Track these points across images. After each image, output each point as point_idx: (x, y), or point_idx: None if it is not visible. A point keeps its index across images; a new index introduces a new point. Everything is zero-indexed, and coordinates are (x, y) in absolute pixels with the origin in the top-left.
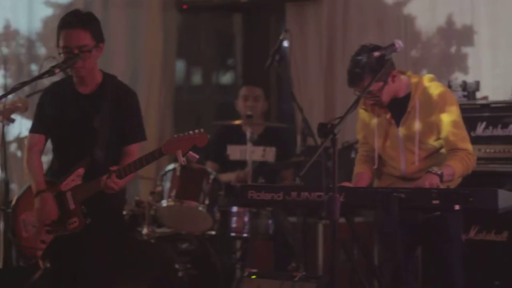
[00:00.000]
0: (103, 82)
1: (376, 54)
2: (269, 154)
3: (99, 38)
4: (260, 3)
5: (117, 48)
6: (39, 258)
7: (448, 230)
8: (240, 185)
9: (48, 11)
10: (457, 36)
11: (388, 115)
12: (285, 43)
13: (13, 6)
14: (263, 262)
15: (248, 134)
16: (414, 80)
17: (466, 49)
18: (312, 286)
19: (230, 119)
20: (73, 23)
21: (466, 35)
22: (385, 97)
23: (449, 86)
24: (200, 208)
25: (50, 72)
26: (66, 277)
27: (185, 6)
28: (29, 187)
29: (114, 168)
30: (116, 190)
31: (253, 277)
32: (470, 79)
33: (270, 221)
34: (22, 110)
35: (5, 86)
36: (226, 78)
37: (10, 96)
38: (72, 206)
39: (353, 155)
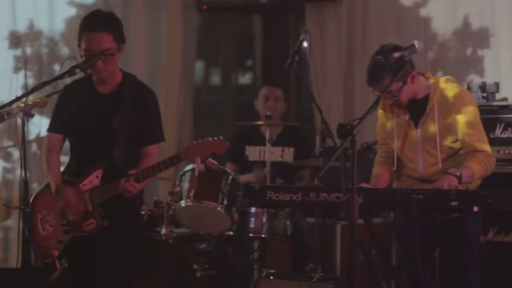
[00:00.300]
0: (123, 81)
1: (396, 55)
2: (288, 154)
3: (121, 39)
4: (279, 3)
5: (137, 49)
6: (55, 258)
7: (467, 232)
8: (259, 186)
9: (71, 11)
10: (474, 38)
11: (407, 116)
12: (305, 44)
13: (36, 6)
14: (281, 262)
15: (267, 135)
16: (432, 81)
17: (482, 52)
18: (330, 287)
19: (249, 119)
20: (96, 26)
21: (483, 37)
22: (404, 97)
23: (468, 88)
24: (219, 209)
25: (70, 72)
26: (83, 278)
27: (205, 7)
28: (47, 186)
29: (132, 171)
30: (134, 193)
31: (271, 277)
32: (489, 81)
33: (288, 222)
34: (41, 105)
35: (26, 87)
36: (245, 78)
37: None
38: (89, 207)
39: (371, 156)
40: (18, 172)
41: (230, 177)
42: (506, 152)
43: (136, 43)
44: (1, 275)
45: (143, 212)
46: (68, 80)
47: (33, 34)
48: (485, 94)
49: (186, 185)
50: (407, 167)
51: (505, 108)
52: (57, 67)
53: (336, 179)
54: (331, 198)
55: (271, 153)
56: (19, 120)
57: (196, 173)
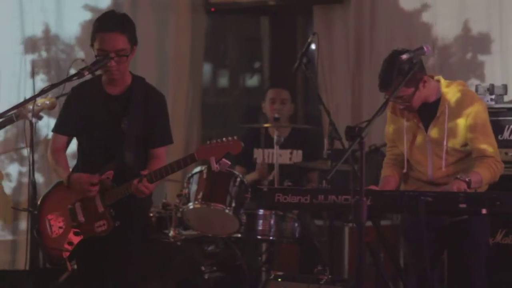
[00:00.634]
0: (132, 84)
1: (404, 57)
2: (297, 157)
3: (134, 41)
4: (287, 6)
5: (145, 51)
6: (65, 259)
7: (475, 234)
8: (268, 188)
9: (87, 15)
10: (480, 41)
11: (417, 120)
12: (313, 46)
13: (51, 10)
14: (289, 265)
15: (275, 137)
16: (443, 85)
17: (490, 55)
18: None
19: (257, 122)
20: (111, 27)
21: (487, 41)
22: (416, 102)
23: (476, 90)
24: (227, 211)
25: (79, 74)
26: (92, 279)
27: (213, 9)
28: (55, 187)
29: (145, 172)
30: (146, 194)
31: (279, 280)
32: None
33: (296, 224)
34: (50, 108)
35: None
36: (253, 81)
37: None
38: (100, 209)
39: (380, 158)
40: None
41: (238, 179)
42: None
43: (144, 45)
44: (9, 277)
45: (151, 214)
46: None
47: (50, 39)
48: (493, 97)
49: (194, 187)
50: (416, 170)
51: None
52: (72, 71)
53: (345, 181)
54: (340, 201)
55: (279, 156)
56: (28, 122)
57: (205, 175)
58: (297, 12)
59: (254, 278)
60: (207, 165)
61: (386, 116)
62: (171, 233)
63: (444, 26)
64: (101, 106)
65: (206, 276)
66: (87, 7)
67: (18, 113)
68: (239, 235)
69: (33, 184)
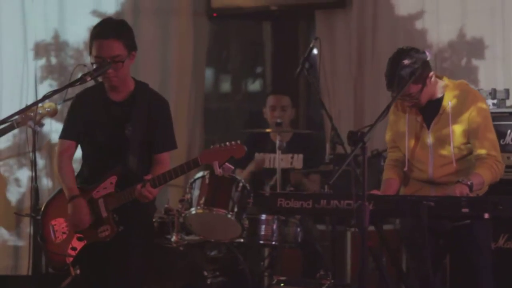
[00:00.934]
0: (135, 89)
1: (406, 62)
2: (298, 161)
3: (131, 46)
4: (289, 11)
5: (147, 56)
6: (69, 265)
7: (477, 239)
8: (270, 193)
9: (95, 21)
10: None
11: (419, 117)
12: (315, 51)
13: (60, 16)
14: (291, 269)
15: (277, 142)
16: (447, 83)
17: (494, 59)
18: None
19: (259, 127)
20: (106, 33)
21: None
22: (424, 98)
23: None
24: (229, 216)
25: (81, 80)
26: (96, 284)
27: (215, 14)
28: (59, 193)
29: (148, 177)
30: (150, 199)
31: (281, 285)
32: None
33: (298, 229)
34: (51, 114)
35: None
36: (255, 86)
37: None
38: (104, 214)
39: (382, 163)
40: (43, 181)
41: (241, 184)
42: None
43: (146, 50)
44: (12, 283)
45: (153, 220)
46: (80, 88)
47: (59, 44)
48: (495, 101)
49: (196, 192)
50: (416, 170)
51: None
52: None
53: (346, 186)
54: (342, 205)
55: (281, 160)
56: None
57: (207, 181)
58: (299, 17)
59: (256, 283)
60: (209, 170)
61: (388, 121)
62: (174, 238)
63: (445, 31)
64: (104, 112)
65: (208, 281)
66: (95, 13)
67: (19, 119)
68: (242, 240)
69: (35, 190)
